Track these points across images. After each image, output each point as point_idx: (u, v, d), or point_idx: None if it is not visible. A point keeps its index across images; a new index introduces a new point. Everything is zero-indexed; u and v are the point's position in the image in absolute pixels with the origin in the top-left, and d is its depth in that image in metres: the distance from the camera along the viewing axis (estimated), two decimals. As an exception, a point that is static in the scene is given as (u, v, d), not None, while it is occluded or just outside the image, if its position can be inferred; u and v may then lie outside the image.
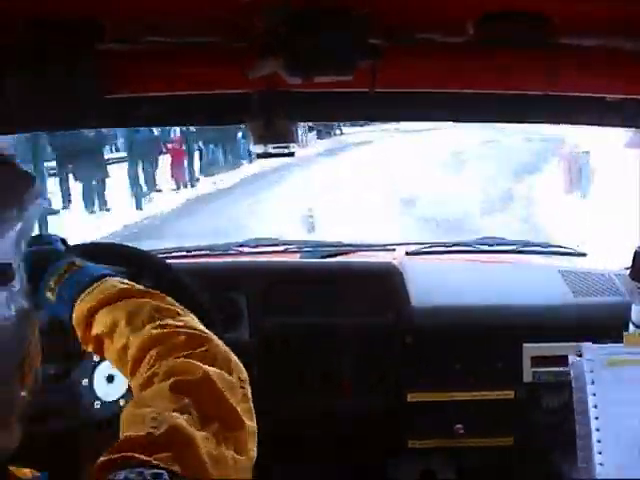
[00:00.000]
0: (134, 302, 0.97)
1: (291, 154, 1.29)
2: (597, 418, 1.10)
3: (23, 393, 0.70)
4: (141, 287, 1.03)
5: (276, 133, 1.23)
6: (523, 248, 2.23)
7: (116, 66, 1.12)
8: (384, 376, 1.81)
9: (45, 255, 1.09)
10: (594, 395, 1.12)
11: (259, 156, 1.29)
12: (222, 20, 1.01)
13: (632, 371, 1.13)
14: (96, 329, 0.98)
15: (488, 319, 1.82)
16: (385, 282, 1.84)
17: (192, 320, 0.96)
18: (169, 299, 1.00)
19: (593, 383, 1.13)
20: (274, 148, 1.26)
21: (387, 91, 1.18)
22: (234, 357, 0.91)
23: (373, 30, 0.97)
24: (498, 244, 2.27)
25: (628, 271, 1.74)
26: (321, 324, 1.82)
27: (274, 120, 1.21)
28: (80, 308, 1.01)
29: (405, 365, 1.80)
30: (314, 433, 1.88)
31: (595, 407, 1.12)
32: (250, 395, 0.87)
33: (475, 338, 1.79)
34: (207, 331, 0.93)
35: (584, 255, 2.20)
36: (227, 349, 0.91)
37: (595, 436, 1.09)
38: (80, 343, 1.03)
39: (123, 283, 1.03)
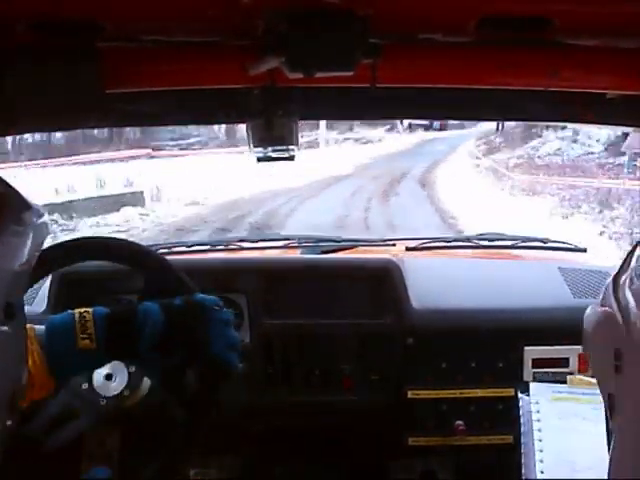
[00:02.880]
0: None
1: (291, 158, 1.27)
2: (540, 440, 1.36)
3: (9, 422, 0.69)
4: None
5: (276, 134, 1.22)
6: (523, 243, 2.23)
7: (116, 66, 1.12)
8: (385, 376, 1.81)
9: None
10: (538, 421, 1.39)
11: (259, 160, 1.28)
12: (223, 19, 1.01)
13: (572, 406, 1.38)
14: None
15: (489, 321, 1.82)
16: (385, 279, 1.84)
17: None
18: None
19: (538, 412, 1.40)
20: (274, 152, 1.25)
21: (388, 87, 1.18)
22: None
23: (374, 29, 0.97)
24: (498, 239, 2.28)
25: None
26: (321, 324, 1.82)
27: (274, 120, 1.20)
28: None
29: (406, 366, 1.80)
30: (314, 431, 1.89)
31: (539, 430, 1.37)
32: None
33: (476, 340, 1.80)
34: None
35: (584, 251, 2.20)
36: None
37: (538, 456, 1.34)
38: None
39: None
